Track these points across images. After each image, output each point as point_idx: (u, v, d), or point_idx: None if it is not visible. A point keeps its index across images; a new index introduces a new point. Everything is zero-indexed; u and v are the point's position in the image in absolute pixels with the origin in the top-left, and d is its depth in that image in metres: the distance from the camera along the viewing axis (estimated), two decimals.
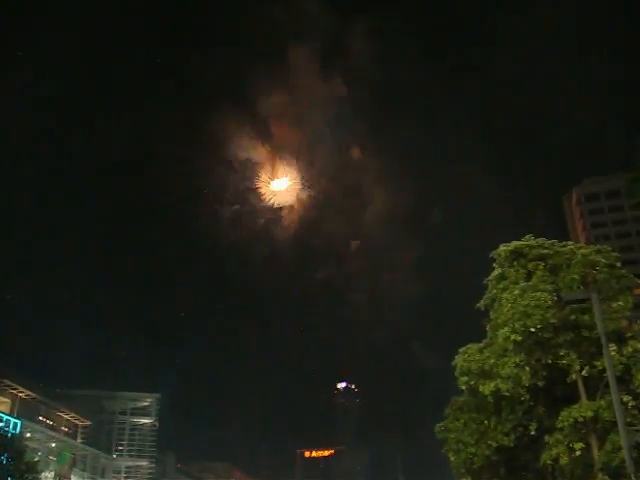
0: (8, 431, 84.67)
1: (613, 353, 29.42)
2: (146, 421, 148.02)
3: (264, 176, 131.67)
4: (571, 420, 31.23)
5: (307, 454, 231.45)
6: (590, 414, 30.78)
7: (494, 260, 37.36)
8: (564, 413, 31.74)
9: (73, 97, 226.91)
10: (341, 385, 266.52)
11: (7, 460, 71.13)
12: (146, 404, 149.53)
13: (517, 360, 32.77)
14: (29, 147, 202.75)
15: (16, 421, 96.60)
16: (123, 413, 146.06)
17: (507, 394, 33.83)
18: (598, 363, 31.22)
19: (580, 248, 36.53)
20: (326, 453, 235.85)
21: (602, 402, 30.73)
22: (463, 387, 36.90)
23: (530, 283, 33.72)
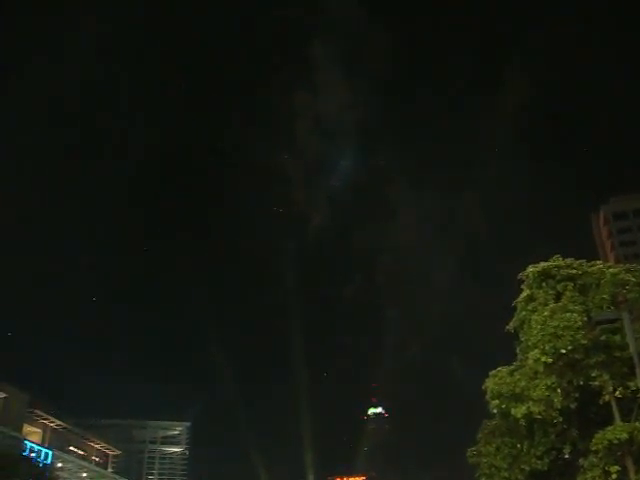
0: (40, 461, 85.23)
1: None
2: (176, 450, 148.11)
3: (293, 185, 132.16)
4: (606, 442, 30.68)
5: None
6: (625, 436, 30.23)
7: (522, 282, 37.16)
8: (598, 435, 31.22)
9: None
10: (371, 411, 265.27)
11: None
12: (176, 433, 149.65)
13: (548, 382, 32.42)
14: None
15: (47, 451, 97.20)
16: (153, 442, 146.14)
17: (539, 417, 33.41)
18: (631, 383, 30.75)
19: (609, 267, 36.19)
20: None
21: (637, 423, 30.24)
22: (494, 410, 36.53)
23: (559, 304, 33.42)
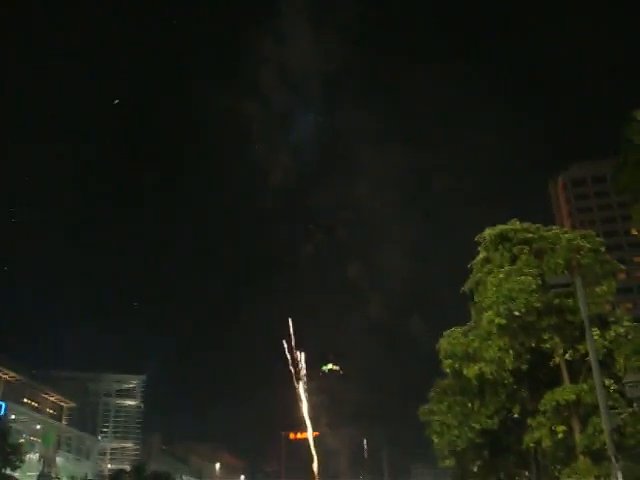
0: None
1: (596, 337, 29.59)
2: (131, 403, 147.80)
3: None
4: (554, 403, 31.46)
5: (292, 436, 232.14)
6: (572, 397, 31.01)
7: (479, 243, 37.41)
8: (547, 396, 31.97)
9: None
10: (325, 367, 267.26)
11: None
12: (131, 386, 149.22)
13: (501, 344, 32.94)
14: None
15: (0, 403, 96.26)
16: (108, 395, 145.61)
17: (491, 377, 34.03)
18: (581, 347, 31.42)
19: (565, 233, 36.68)
20: None
21: (585, 385, 30.97)
22: (447, 370, 37.04)
23: (515, 267, 33.81)
